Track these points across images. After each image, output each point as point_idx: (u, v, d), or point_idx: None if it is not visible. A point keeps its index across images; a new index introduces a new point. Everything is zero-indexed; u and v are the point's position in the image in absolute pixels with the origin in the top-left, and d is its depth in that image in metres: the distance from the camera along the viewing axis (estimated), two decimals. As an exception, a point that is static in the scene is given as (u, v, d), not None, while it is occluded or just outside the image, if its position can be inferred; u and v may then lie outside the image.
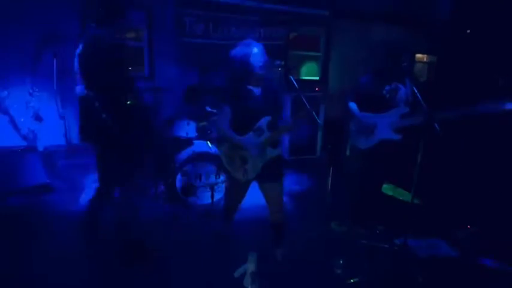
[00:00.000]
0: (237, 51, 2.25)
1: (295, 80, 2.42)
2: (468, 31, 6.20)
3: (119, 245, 2.49)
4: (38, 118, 4.21)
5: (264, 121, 2.31)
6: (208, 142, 3.86)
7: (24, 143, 4.13)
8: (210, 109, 3.84)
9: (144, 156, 4.05)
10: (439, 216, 3.45)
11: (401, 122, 2.81)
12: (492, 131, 3.75)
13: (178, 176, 3.46)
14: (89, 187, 3.80)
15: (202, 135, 3.81)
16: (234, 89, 2.31)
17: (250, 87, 2.31)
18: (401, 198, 3.93)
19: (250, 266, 2.27)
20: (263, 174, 2.37)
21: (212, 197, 3.40)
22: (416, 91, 2.49)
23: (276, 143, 2.40)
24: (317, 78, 6.08)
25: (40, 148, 4.11)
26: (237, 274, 2.34)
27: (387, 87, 2.89)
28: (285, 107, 2.46)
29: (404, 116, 2.81)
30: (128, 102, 2.31)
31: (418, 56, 7.01)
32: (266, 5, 4.88)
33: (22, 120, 4.17)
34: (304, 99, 2.37)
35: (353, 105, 2.98)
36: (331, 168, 2.18)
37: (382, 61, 2.99)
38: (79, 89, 2.26)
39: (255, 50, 2.23)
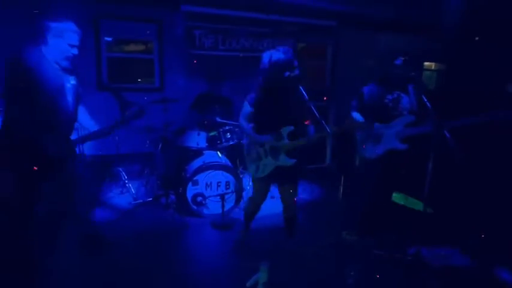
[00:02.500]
0: (275, 56, 2.34)
1: (305, 90, 2.46)
2: (477, 38, 6.18)
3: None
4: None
5: (286, 129, 2.42)
6: (218, 152, 3.91)
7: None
8: (220, 119, 3.89)
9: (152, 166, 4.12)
10: (453, 225, 3.40)
11: (407, 131, 2.78)
12: (506, 138, 3.70)
13: (189, 186, 3.49)
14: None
15: (213, 145, 3.85)
16: (266, 93, 2.42)
17: (280, 93, 2.42)
18: (413, 208, 3.88)
19: (262, 276, 2.27)
20: (278, 175, 2.54)
21: (223, 206, 3.42)
22: (425, 99, 2.49)
23: (292, 153, 2.49)
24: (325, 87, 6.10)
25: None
26: (249, 284, 2.34)
27: (389, 97, 2.88)
28: (308, 118, 2.53)
29: (410, 125, 2.79)
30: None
31: (426, 63, 7.00)
32: (274, 16, 4.95)
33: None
34: (314, 109, 2.41)
35: (356, 115, 2.95)
36: (342, 178, 2.19)
37: (383, 70, 2.98)
38: None
39: (291, 57, 2.35)
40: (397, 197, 4.06)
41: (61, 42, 2.11)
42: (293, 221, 2.82)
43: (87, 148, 4.08)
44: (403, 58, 2.82)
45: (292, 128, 2.42)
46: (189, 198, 3.50)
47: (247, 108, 2.49)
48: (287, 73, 2.33)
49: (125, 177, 4.08)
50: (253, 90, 2.49)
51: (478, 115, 2.45)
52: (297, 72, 2.35)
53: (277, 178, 2.58)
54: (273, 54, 2.35)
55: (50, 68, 2.12)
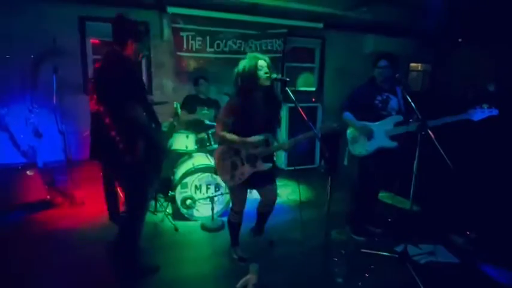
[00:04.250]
0: (245, 63, 2.35)
1: (292, 92, 2.49)
2: (460, 40, 6.34)
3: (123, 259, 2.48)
4: (37, 134, 4.24)
5: (262, 136, 2.39)
6: (208, 154, 3.90)
7: (24, 160, 4.15)
8: (208, 122, 3.89)
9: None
10: (439, 223, 3.47)
11: (395, 130, 2.90)
12: (489, 136, 3.81)
13: (178, 189, 3.48)
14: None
15: (202, 147, 3.84)
16: (241, 99, 2.38)
17: (253, 99, 2.39)
18: (400, 206, 3.95)
19: (251, 278, 2.28)
20: (256, 180, 2.51)
21: (212, 209, 3.42)
22: (410, 100, 2.55)
23: (268, 158, 2.51)
24: (313, 89, 6.17)
25: (40, 164, 4.12)
26: (239, 286, 2.35)
27: (378, 97, 2.98)
28: (282, 122, 2.53)
29: (398, 124, 2.91)
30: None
31: (412, 65, 7.13)
32: (262, 18, 4.97)
33: (22, 136, 4.19)
34: (301, 111, 2.43)
35: (348, 115, 3.03)
36: (330, 177, 2.21)
37: (371, 72, 3.06)
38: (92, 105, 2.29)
39: (262, 63, 2.33)
40: (384, 196, 4.12)
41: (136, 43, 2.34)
42: (267, 217, 2.87)
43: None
44: (387, 60, 2.93)
45: (268, 134, 2.42)
46: (179, 202, 3.48)
47: (226, 117, 2.40)
48: (259, 77, 2.31)
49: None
50: (231, 98, 2.47)
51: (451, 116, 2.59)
52: (279, 76, 2.35)
53: (255, 183, 2.55)
54: (245, 62, 2.36)
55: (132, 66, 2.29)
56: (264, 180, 2.56)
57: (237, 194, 2.63)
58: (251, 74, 2.31)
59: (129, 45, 2.30)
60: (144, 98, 2.30)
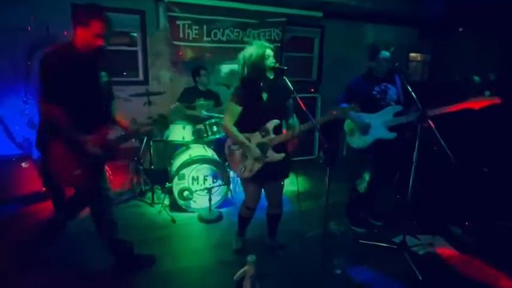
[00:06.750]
0: (252, 51, 2.25)
1: (290, 82, 2.43)
2: (460, 29, 6.26)
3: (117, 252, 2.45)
4: (32, 126, 4.18)
5: (271, 123, 2.33)
6: (205, 145, 3.86)
7: (19, 151, 4.10)
8: (206, 113, 3.84)
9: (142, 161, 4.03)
10: (438, 214, 3.46)
11: (394, 120, 2.84)
12: (489, 126, 3.77)
13: (175, 180, 3.44)
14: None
15: (199, 138, 3.80)
16: (246, 88, 2.31)
17: (261, 88, 2.33)
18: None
19: (249, 269, 2.26)
20: (267, 173, 2.39)
21: (209, 200, 3.39)
22: (410, 89, 2.50)
23: (280, 147, 2.39)
24: (312, 79, 6.10)
25: (35, 156, 4.08)
26: (236, 278, 2.33)
27: (376, 88, 2.92)
28: (291, 112, 2.44)
29: (398, 114, 2.85)
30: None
31: (412, 55, 7.06)
32: (260, 7, 4.87)
33: (17, 128, 4.14)
34: (299, 101, 2.37)
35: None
36: (328, 168, 2.17)
37: (370, 63, 2.98)
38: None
39: (269, 52, 2.25)
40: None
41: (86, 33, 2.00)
42: (278, 219, 2.74)
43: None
44: (389, 51, 2.86)
45: (278, 121, 2.35)
46: (176, 193, 3.46)
47: (235, 108, 2.31)
48: (267, 67, 2.23)
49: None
50: (236, 88, 2.35)
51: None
52: (277, 65, 2.26)
53: (266, 175, 2.43)
54: (252, 50, 2.25)
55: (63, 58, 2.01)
56: (276, 173, 2.45)
57: (250, 188, 2.51)
58: (259, 63, 2.22)
59: (77, 32, 2.01)
60: (82, 93, 2.05)
